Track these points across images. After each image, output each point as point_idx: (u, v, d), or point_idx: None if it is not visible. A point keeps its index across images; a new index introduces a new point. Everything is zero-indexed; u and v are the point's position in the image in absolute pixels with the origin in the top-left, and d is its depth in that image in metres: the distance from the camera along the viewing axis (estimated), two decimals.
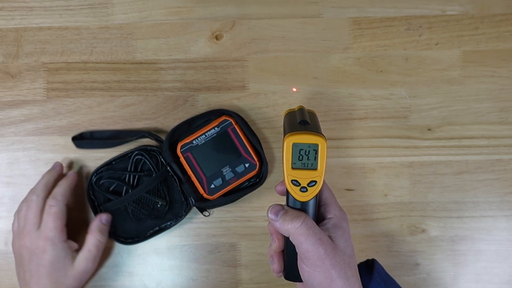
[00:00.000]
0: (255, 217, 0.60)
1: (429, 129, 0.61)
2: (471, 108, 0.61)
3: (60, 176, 0.57)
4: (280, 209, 0.44)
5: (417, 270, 0.60)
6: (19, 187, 0.59)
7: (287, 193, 0.45)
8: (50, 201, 0.53)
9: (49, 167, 0.59)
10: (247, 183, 0.58)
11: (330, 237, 0.44)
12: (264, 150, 0.58)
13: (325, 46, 0.61)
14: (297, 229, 0.42)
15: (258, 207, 0.60)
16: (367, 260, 0.51)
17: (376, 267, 0.50)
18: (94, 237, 0.53)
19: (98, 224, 0.54)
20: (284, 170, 0.44)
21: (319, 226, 0.44)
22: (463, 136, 0.60)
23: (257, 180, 0.58)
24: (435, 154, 0.60)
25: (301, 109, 0.48)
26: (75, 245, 0.54)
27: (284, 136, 0.45)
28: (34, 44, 0.61)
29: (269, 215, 0.44)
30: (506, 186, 0.60)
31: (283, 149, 0.44)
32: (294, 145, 0.43)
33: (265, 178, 0.57)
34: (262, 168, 0.57)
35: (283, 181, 0.46)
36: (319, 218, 0.46)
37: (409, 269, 0.59)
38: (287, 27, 0.61)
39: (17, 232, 0.53)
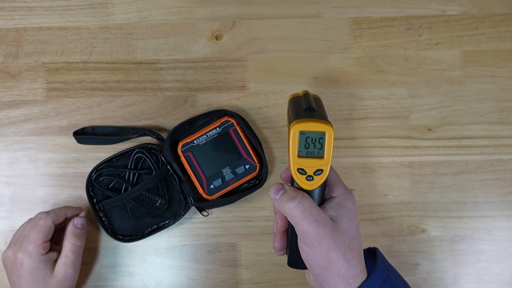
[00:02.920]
0: (255, 217, 0.60)
1: (429, 129, 0.61)
2: (471, 108, 0.61)
3: (74, 217, 0.56)
4: (280, 189, 0.43)
5: (417, 270, 0.60)
6: (19, 187, 0.59)
7: (292, 181, 0.44)
8: (40, 214, 0.53)
9: (49, 167, 0.59)
10: (246, 184, 0.58)
11: (332, 216, 0.43)
12: (264, 151, 0.58)
13: (325, 46, 0.61)
14: (292, 210, 0.42)
15: (258, 207, 0.60)
16: (369, 248, 0.51)
17: (379, 254, 0.49)
18: (69, 242, 0.53)
19: (72, 229, 0.54)
20: (290, 158, 0.43)
21: (323, 205, 0.44)
22: (463, 136, 0.60)
23: (257, 182, 0.58)
24: (435, 154, 0.60)
25: (306, 94, 0.47)
26: (54, 255, 0.53)
27: (289, 123, 0.44)
28: (34, 44, 0.61)
29: (270, 194, 0.44)
30: (506, 186, 0.60)
31: (289, 137, 0.42)
32: (301, 133, 0.42)
33: (265, 180, 0.57)
34: (262, 170, 0.57)
35: (288, 168, 0.45)
36: (324, 198, 0.45)
37: (409, 269, 0.59)
38: (287, 27, 0.61)
39: (9, 243, 0.54)
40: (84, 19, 0.61)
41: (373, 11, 0.62)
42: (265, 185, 0.58)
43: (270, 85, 0.61)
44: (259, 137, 0.58)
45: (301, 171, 0.43)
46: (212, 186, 0.57)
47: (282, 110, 0.60)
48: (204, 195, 0.57)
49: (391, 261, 0.59)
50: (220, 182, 0.57)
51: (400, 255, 0.60)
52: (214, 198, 0.57)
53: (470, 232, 0.60)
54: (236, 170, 0.57)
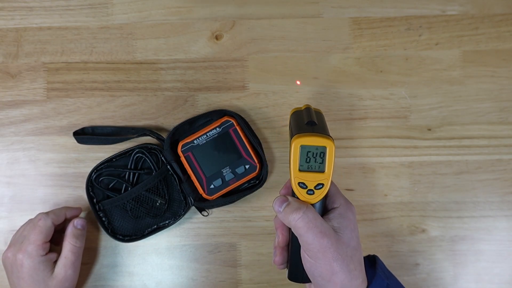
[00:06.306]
0: (255, 217, 0.60)
1: (429, 129, 0.61)
2: (471, 108, 0.61)
3: (74, 217, 0.56)
4: (284, 201, 0.43)
5: (417, 270, 0.60)
6: (19, 187, 0.59)
7: (293, 195, 0.44)
8: (39, 215, 0.53)
9: (49, 167, 0.59)
10: (246, 184, 0.58)
11: (334, 227, 0.43)
12: (264, 150, 0.58)
13: (325, 46, 0.61)
14: (297, 221, 0.42)
15: (258, 207, 0.60)
16: (369, 256, 0.51)
17: (379, 262, 0.49)
18: (69, 243, 0.53)
19: (72, 230, 0.54)
20: (291, 172, 0.43)
21: (325, 216, 0.44)
22: (463, 136, 0.60)
23: (257, 181, 0.58)
24: (435, 154, 0.60)
25: (308, 108, 0.47)
26: (54, 256, 0.53)
27: (291, 137, 0.44)
28: (34, 44, 0.61)
29: (274, 206, 0.44)
30: (506, 186, 0.60)
31: (291, 151, 0.43)
32: (302, 147, 0.42)
33: (265, 180, 0.57)
34: (262, 170, 0.57)
35: (287, 184, 0.45)
36: (325, 210, 0.46)
37: (409, 269, 0.59)
38: (287, 27, 0.61)
39: (8, 243, 0.54)
40: (84, 19, 0.61)
41: (373, 11, 0.62)
42: (265, 185, 0.58)
43: (270, 85, 0.61)
44: (259, 137, 0.58)
45: (302, 185, 0.43)
46: (212, 186, 0.57)
47: (282, 110, 0.60)
48: (204, 195, 0.57)
49: (391, 261, 0.59)
50: (220, 182, 0.57)
51: (400, 255, 0.60)
52: (214, 198, 0.57)
53: (470, 232, 0.60)
54: (236, 170, 0.57)
